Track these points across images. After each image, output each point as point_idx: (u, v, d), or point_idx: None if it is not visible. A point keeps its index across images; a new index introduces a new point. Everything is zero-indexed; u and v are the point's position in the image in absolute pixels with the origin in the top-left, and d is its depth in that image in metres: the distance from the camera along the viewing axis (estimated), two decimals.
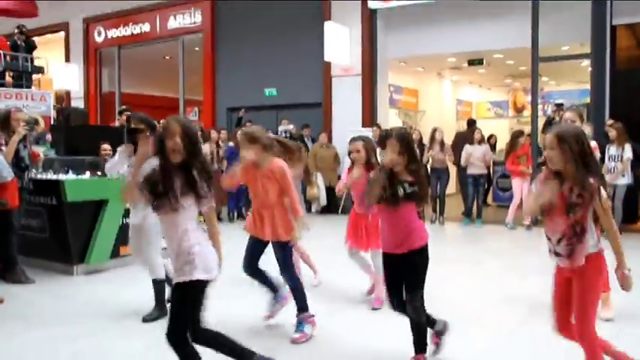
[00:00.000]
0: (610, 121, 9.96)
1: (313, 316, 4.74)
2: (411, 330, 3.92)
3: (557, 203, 3.21)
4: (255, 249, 4.82)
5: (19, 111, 6.67)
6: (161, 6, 16.19)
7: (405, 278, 3.89)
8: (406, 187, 3.77)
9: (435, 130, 11.34)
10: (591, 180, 3.13)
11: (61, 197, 6.77)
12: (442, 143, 11.27)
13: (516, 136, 11.11)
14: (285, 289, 4.88)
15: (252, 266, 4.84)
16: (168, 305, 4.36)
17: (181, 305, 3.25)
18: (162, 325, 4.86)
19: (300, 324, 4.67)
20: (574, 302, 3.32)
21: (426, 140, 11.49)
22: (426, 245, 3.90)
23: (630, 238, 8.77)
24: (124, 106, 9.72)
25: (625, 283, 3.28)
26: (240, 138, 4.74)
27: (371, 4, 12.85)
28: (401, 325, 4.06)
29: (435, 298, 4.48)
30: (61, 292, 6.28)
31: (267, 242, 4.79)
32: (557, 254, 3.34)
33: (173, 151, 3.15)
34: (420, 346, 3.92)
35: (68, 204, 6.80)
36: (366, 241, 5.54)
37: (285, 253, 4.72)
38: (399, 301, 3.94)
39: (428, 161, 11.28)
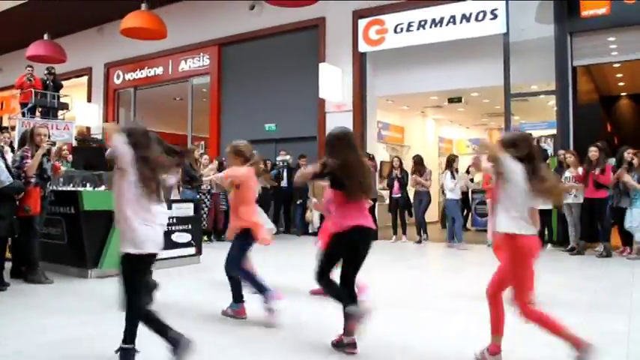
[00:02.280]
0: (562, 151, 10.21)
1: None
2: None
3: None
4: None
5: (43, 127, 6.80)
6: (173, 51, 16.48)
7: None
8: None
9: (416, 157, 11.63)
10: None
11: (79, 207, 6.90)
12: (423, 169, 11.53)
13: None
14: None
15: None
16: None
17: None
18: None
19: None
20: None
21: (407, 167, 11.77)
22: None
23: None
24: None
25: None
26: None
27: (361, 48, 13.14)
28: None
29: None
30: (76, 290, 6.36)
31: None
32: None
33: None
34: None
35: (85, 213, 6.92)
36: None
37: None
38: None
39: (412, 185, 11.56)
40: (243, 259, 4.95)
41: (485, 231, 11.12)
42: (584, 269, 8.12)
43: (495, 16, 11.46)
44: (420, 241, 11.35)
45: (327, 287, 4.16)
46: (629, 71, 14.77)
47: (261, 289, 4.85)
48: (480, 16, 11.62)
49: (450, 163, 11.05)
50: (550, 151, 11.27)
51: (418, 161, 11.66)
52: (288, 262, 8.77)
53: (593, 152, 9.46)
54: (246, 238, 4.91)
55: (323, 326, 4.58)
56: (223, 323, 4.84)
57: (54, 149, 7.80)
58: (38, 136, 6.57)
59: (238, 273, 4.92)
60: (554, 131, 11.45)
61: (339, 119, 13.23)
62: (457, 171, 11.17)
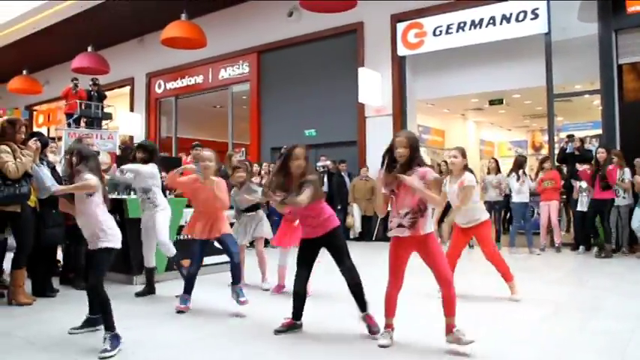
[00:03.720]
0: (601, 149, 9.93)
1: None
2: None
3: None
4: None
5: (89, 137, 6.95)
6: (213, 60, 16.68)
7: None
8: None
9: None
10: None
11: (124, 214, 7.00)
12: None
13: (543, 161, 10.90)
14: None
15: None
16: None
17: None
18: (207, 320, 5.02)
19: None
20: (428, 261, 4.07)
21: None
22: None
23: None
24: (196, 142, 10.30)
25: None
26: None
27: (400, 51, 13.07)
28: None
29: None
30: (122, 297, 6.40)
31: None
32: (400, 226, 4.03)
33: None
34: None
35: (129, 221, 7.01)
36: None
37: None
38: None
39: None
40: None
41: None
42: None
43: (536, 16, 11.25)
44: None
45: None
46: None
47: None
48: (521, 17, 11.43)
49: (521, 165, 10.57)
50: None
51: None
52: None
53: (600, 153, 9.48)
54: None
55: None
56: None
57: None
58: (88, 146, 6.72)
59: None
60: (599, 131, 11.18)
61: (379, 123, 13.24)
62: (525, 174, 10.59)
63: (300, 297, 4.60)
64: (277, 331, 4.55)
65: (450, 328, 4.00)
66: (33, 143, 5.81)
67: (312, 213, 4.51)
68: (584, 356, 3.89)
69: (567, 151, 11.16)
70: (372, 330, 4.39)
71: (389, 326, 4.23)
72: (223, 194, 5.40)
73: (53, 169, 6.41)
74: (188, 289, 5.54)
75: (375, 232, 12.59)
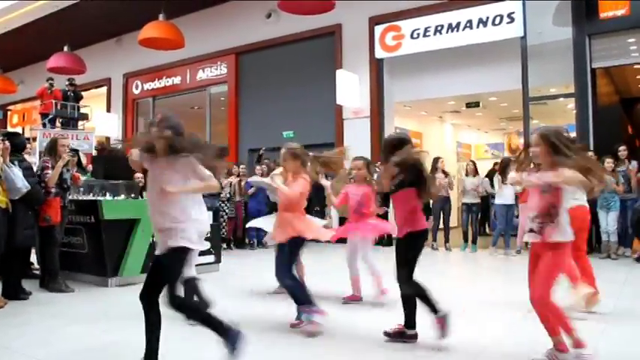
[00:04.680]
0: None
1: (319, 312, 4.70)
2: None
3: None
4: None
5: (64, 138, 6.87)
6: (191, 61, 16.58)
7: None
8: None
9: (437, 160, 11.32)
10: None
11: (99, 216, 6.93)
12: (444, 172, 11.29)
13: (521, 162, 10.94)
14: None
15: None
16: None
17: None
18: (178, 322, 5.00)
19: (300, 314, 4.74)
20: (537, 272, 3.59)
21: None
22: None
23: None
24: None
25: None
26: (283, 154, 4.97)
27: (378, 54, 13.11)
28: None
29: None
30: (96, 299, 6.38)
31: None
32: (530, 230, 3.57)
33: None
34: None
35: (104, 222, 6.95)
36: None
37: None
38: None
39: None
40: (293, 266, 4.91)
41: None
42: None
43: (512, 20, 11.37)
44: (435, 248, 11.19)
45: (415, 289, 4.22)
46: None
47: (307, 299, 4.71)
48: (497, 20, 11.54)
49: (507, 166, 10.00)
50: None
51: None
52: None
53: None
54: (296, 245, 4.85)
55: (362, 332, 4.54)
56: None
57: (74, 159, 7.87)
58: (62, 147, 6.66)
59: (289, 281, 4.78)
60: (574, 134, 11.30)
61: (356, 126, 13.27)
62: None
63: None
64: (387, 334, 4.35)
65: (560, 347, 3.65)
66: (0, 143, 5.73)
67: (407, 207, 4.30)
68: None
69: None
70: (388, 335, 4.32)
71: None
72: None
73: (27, 169, 6.30)
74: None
75: None
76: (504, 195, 10.34)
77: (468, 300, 5.96)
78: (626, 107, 17.98)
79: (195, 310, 3.59)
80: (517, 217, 10.71)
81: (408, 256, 4.24)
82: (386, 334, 4.33)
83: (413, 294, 4.22)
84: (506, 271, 8.72)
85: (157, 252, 3.55)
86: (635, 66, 12.70)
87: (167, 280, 3.44)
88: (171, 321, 3.63)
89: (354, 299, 5.89)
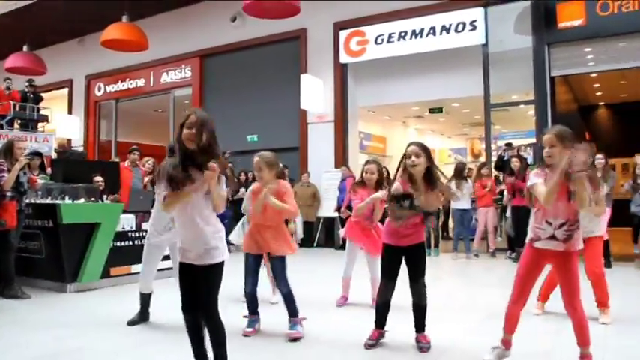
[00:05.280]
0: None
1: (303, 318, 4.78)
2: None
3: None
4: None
5: (22, 141, 6.73)
6: (155, 63, 16.42)
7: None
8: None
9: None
10: None
11: (57, 220, 6.79)
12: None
13: (480, 167, 11.14)
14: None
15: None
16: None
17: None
18: (140, 328, 4.89)
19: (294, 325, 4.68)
20: (563, 280, 3.53)
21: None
22: None
23: None
24: (134, 147, 10.11)
25: None
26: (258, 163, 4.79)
27: (342, 59, 13.17)
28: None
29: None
30: (55, 305, 6.23)
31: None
32: (553, 238, 3.45)
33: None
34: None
35: (63, 226, 6.80)
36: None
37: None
38: None
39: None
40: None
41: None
42: None
43: (474, 27, 11.55)
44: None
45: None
46: (606, 81, 14.98)
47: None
48: (460, 27, 11.71)
49: (461, 172, 10.51)
50: (530, 159, 11.33)
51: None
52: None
53: (514, 162, 9.84)
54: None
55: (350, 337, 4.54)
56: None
57: (36, 162, 7.71)
58: (19, 149, 6.51)
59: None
60: (533, 140, 11.53)
61: (321, 130, 13.29)
62: (466, 180, 10.60)
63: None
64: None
65: None
66: None
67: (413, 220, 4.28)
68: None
69: (505, 159, 11.47)
70: (422, 346, 4.24)
71: (506, 343, 3.78)
72: None
73: None
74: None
75: (316, 238, 12.66)
76: (461, 200, 10.47)
77: (429, 303, 6.00)
78: (583, 114, 18.47)
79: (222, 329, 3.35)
80: (477, 220, 10.90)
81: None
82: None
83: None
84: (465, 274, 8.82)
85: (197, 262, 3.18)
86: (592, 74, 13.07)
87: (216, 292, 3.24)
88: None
89: (344, 300, 5.98)
